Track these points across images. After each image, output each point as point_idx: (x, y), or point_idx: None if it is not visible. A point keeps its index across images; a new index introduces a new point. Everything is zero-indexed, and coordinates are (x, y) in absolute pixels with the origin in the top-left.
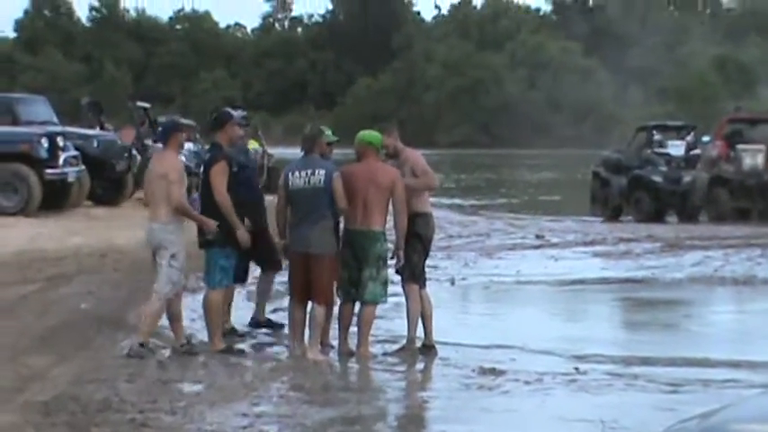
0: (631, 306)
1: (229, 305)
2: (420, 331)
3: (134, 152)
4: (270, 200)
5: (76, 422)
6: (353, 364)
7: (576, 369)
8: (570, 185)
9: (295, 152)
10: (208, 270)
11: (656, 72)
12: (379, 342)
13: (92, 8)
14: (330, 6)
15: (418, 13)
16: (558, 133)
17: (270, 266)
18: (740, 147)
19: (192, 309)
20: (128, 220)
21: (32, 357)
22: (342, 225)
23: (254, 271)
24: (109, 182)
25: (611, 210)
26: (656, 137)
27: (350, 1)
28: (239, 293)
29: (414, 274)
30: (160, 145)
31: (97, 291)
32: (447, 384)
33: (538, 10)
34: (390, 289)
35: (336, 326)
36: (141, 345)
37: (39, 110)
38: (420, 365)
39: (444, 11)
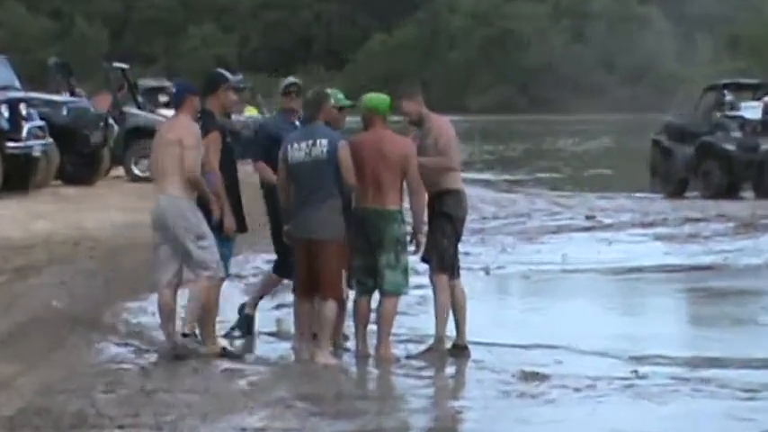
0: (699, 298)
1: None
2: (450, 329)
3: (110, 121)
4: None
5: None
6: (371, 369)
7: (635, 373)
8: (625, 156)
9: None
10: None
11: (726, 20)
12: (401, 342)
13: None
14: None
15: None
16: (610, 95)
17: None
18: None
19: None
20: (103, 202)
21: None
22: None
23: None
24: (81, 157)
25: (675, 184)
26: (728, 98)
27: None
28: (235, 286)
29: (443, 262)
30: (141, 112)
31: (70, 283)
32: (482, 392)
33: None
34: (415, 280)
35: (351, 324)
36: (185, 335)
37: None
38: (450, 369)
39: None
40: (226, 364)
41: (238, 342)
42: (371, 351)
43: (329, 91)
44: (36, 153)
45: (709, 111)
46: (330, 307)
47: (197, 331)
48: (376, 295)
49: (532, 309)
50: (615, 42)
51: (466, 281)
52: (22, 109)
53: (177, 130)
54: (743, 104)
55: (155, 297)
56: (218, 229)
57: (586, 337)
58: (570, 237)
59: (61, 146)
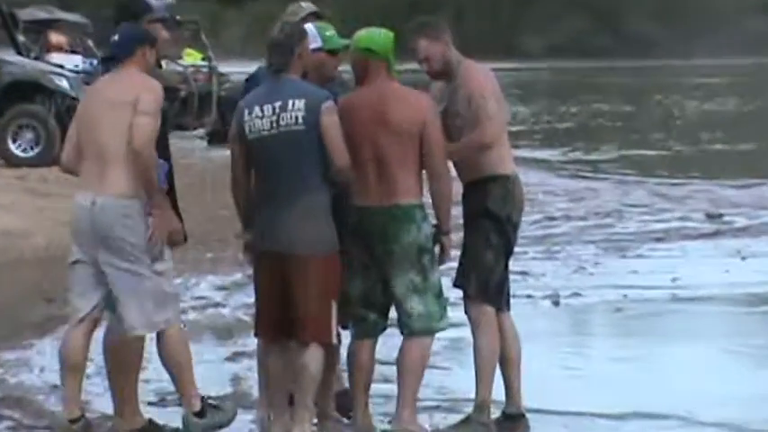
0: None
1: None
2: (498, 388)
3: None
4: (222, 156)
5: None
6: None
7: None
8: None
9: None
10: None
11: None
12: (425, 409)
13: None
14: None
15: None
16: (743, 28)
17: None
18: None
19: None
20: None
21: None
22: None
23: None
24: None
25: None
26: None
27: None
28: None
29: (487, 288)
30: (23, 60)
31: None
32: None
33: None
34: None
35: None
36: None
37: None
38: None
39: None
40: None
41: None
42: (380, 423)
43: (310, 26)
44: None
45: None
46: (314, 357)
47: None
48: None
49: (627, 358)
50: None
51: (523, 314)
52: None
53: (130, 86)
54: None
55: (45, 343)
56: None
57: (711, 402)
58: (683, 247)
59: None
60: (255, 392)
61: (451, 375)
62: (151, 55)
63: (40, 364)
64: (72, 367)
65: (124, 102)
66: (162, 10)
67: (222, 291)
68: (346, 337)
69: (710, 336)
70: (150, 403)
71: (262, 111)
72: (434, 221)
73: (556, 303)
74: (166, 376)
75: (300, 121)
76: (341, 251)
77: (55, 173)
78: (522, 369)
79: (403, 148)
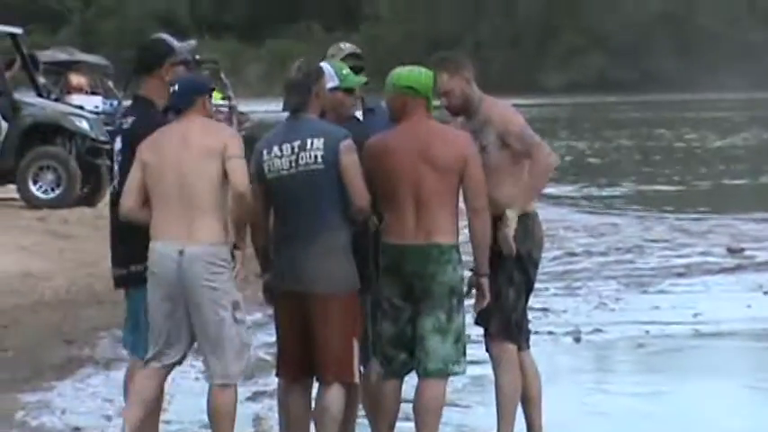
0: None
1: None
2: (520, 426)
3: None
4: None
5: None
6: None
7: None
8: None
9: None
10: (134, 326)
11: None
12: None
13: None
14: None
15: None
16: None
17: None
18: None
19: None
20: None
21: None
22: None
23: None
24: None
25: None
26: None
27: None
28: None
29: (508, 325)
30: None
31: None
32: None
33: None
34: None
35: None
36: None
37: None
38: None
39: None
40: None
41: None
42: None
43: (326, 64)
44: None
45: None
46: (335, 397)
47: None
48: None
49: (649, 394)
50: None
51: (544, 351)
52: None
53: (214, 134)
54: None
55: (65, 384)
56: None
57: None
58: (705, 282)
59: None
60: None
61: (472, 413)
62: (209, 103)
63: (61, 406)
64: (151, 410)
65: (213, 149)
66: (185, 52)
67: None
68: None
69: (733, 371)
70: None
71: (280, 150)
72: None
73: (577, 340)
74: (187, 417)
75: (319, 159)
76: (366, 291)
77: (76, 214)
78: (544, 406)
79: (443, 185)
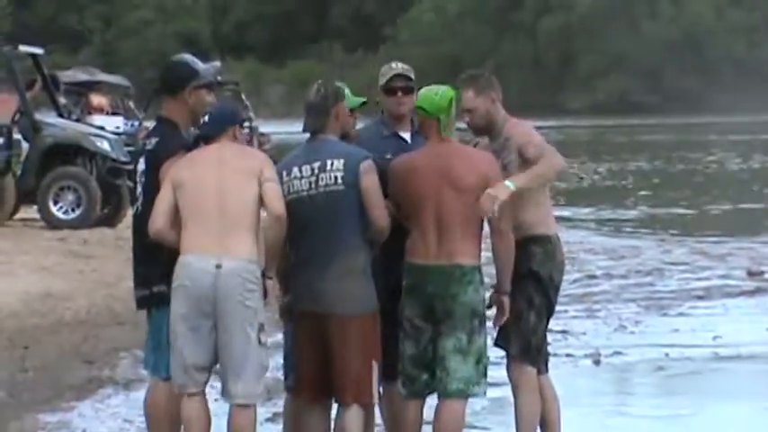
0: None
1: None
2: None
3: (17, 137)
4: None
5: None
6: None
7: None
8: None
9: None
10: (155, 346)
11: None
12: None
13: None
14: None
15: None
16: None
17: None
18: None
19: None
20: (7, 259)
21: None
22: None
23: None
24: None
25: None
26: None
27: None
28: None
29: (528, 348)
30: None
31: None
32: None
33: None
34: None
35: None
36: None
37: None
38: None
39: None
40: None
41: None
42: None
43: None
44: None
45: None
46: (354, 418)
47: None
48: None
49: (669, 417)
50: None
51: (564, 373)
52: None
53: (251, 158)
54: None
55: (86, 405)
56: None
57: None
58: (725, 305)
59: None
60: None
61: None
62: (240, 133)
63: (81, 426)
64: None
65: (252, 170)
66: (209, 75)
67: None
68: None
69: (753, 394)
70: None
71: (300, 171)
72: (493, 282)
73: (597, 362)
74: None
75: (339, 180)
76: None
77: (96, 235)
78: (564, 429)
79: (465, 206)
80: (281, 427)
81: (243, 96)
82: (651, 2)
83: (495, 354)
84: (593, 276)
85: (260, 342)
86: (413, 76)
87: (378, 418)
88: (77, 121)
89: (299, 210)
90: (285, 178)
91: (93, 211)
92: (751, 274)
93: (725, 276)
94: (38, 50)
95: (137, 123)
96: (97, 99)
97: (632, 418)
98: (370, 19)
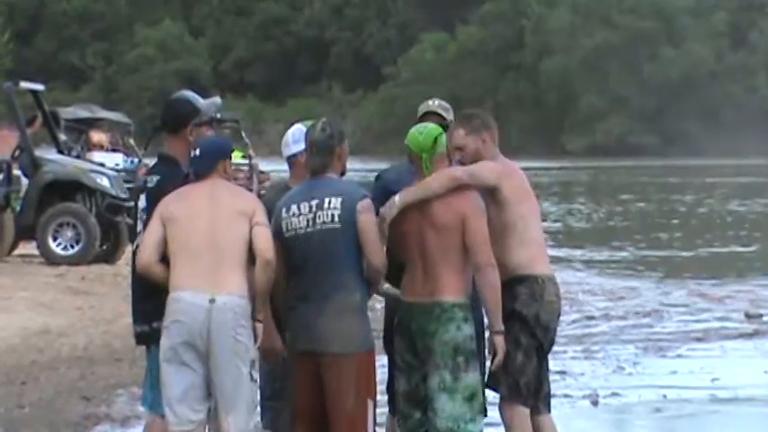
0: None
1: None
2: None
3: (16, 173)
4: None
5: None
6: None
7: None
8: None
9: None
10: (154, 383)
11: None
12: None
13: None
14: None
15: None
16: None
17: None
18: None
19: None
20: (5, 295)
21: None
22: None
23: None
24: None
25: None
26: None
27: None
28: None
29: (517, 388)
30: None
31: None
32: None
33: None
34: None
35: None
36: None
37: None
38: None
39: None
40: None
41: None
42: None
43: (300, 126)
44: None
45: None
46: None
47: None
48: None
49: None
50: None
51: (562, 414)
52: None
53: (244, 198)
54: None
55: None
56: None
57: None
58: (723, 347)
59: None
60: None
61: None
62: (230, 166)
63: None
64: None
65: (244, 211)
66: (211, 111)
67: None
68: None
69: None
70: None
71: (299, 209)
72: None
73: (595, 403)
74: None
75: (336, 219)
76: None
77: (95, 271)
78: None
79: (446, 243)
80: None
81: (243, 134)
82: (652, 44)
83: (491, 393)
84: (592, 317)
85: (251, 378)
86: (446, 115)
87: None
88: (77, 157)
89: (296, 247)
90: (284, 215)
91: (91, 248)
92: (749, 316)
93: (723, 319)
94: (38, 87)
95: (136, 160)
96: (97, 136)
97: None
98: (369, 59)
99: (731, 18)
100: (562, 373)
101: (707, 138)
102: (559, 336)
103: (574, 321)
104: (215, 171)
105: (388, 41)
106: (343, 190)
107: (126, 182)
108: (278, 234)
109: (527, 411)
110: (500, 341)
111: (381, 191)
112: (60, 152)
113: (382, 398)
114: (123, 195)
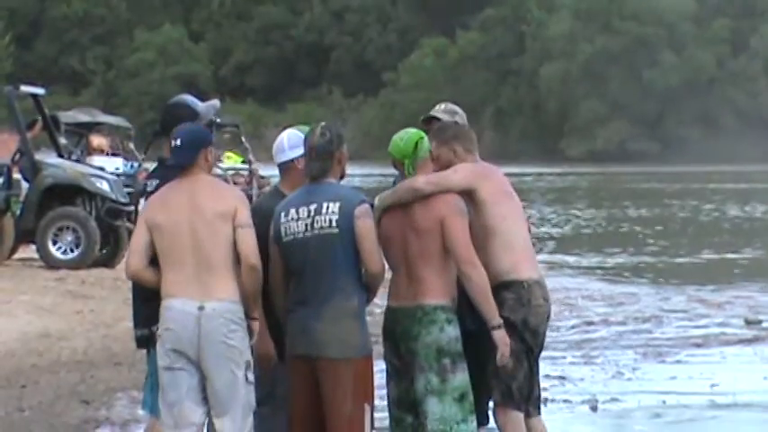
0: None
1: None
2: None
3: (16, 176)
4: None
5: None
6: None
7: None
8: None
9: None
10: (154, 386)
11: None
12: None
13: None
14: None
15: None
16: None
17: None
18: None
19: None
20: (5, 299)
21: None
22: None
23: None
24: None
25: None
26: None
27: None
28: None
29: (509, 393)
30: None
31: None
32: None
33: None
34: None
35: None
36: None
37: None
38: None
39: None
40: None
41: None
42: None
43: (294, 131)
44: None
45: None
46: None
47: None
48: None
49: None
50: None
51: (561, 419)
52: None
53: (224, 198)
54: None
55: None
56: None
57: None
58: (723, 353)
59: None
60: None
61: None
62: (211, 154)
63: None
64: None
65: (224, 213)
66: (209, 114)
67: None
68: None
69: None
70: None
71: (297, 213)
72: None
73: (594, 408)
74: None
75: (334, 224)
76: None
77: (94, 275)
78: None
79: (427, 247)
80: None
81: (243, 139)
82: (652, 50)
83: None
84: (591, 323)
85: (247, 380)
86: (449, 118)
87: None
88: (77, 161)
89: (294, 252)
90: (283, 219)
91: (91, 252)
92: (749, 322)
93: (723, 324)
94: (39, 91)
95: (136, 165)
96: (97, 140)
97: None
98: (369, 64)
99: (732, 24)
100: (561, 378)
101: (707, 144)
102: (559, 341)
103: (573, 327)
104: (197, 162)
105: (388, 46)
106: (341, 195)
107: (126, 186)
108: (277, 238)
109: (521, 416)
110: (499, 335)
111: None
112: (60, 156)
113: (381, 402)
114: (123, 199)
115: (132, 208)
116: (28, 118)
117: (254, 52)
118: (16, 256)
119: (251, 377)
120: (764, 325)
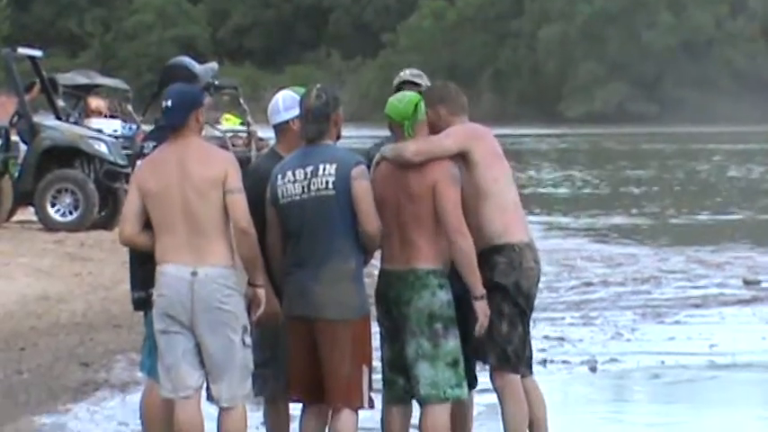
0: None
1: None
2: None
3: (14, 139)
4: None
5: None
6: None
7: None
8: None
9: None
10: (152, 348)
11: None
12: None
13: None
14: None
15: None
16: None
17: None
18: None
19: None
20: (3, 261)
21: None
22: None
23: None
24: None
25: None
26: None
27: None
28: None
29: (506, 356)
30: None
31: None
32: None
33: None
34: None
35: None
36: None
37: None
38: None
39: None
40: None
41: None
42: None
43: (289, 92)
44: None
45: None
46: (347, 421)
47: None
48: None
49: (664, 424)
50: None
51: (560, 380)
52: None
53: (213, 161)
54: None
55: (81, 407)
56: None
57: None
58: (721, 313)
59: None
60: None
61: None
62: (202, 115)
63: (76, 429)
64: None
65: (214, 179)
66: (207, 77)
67: None
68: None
69: (748, 403)
70: None
71: (294, 175)
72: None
73: (593, 369)
74: None
75: (330, 186)
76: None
77: (93, 237)
78: None
79: (419, 211)
80: None
81: (241, 101)
82: (650, 11)
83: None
84: (590, 284)
85: (244, 344)
86: (421, 81)
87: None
88: (75, 123)
89: (291, 214)
90: (279, 182)
91: (90, 214)
92: (747, 282)
93: (721, 285)
94: (37, 53)
95: (135, 127)
96: (95, 102)
97: (627, 425)
98: (368, 26)
99: None
100: (560, 339)
101: (706, 105)
102: (558, 302)
103: (572, 288)
104: (189, 124)
105: (386, 8)
106: (337, 157)
107: (124, 148)
108: (274, 201)
109: (518, 378)
110: (481, 306)
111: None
112: (58, 118)
113: (379, 364)
114: (121, 162)
115: (130, 170)
116: (26, 80)
117: (253, 14)
118: (15, 218)
119: (248, 341)
120: (763, 285)
